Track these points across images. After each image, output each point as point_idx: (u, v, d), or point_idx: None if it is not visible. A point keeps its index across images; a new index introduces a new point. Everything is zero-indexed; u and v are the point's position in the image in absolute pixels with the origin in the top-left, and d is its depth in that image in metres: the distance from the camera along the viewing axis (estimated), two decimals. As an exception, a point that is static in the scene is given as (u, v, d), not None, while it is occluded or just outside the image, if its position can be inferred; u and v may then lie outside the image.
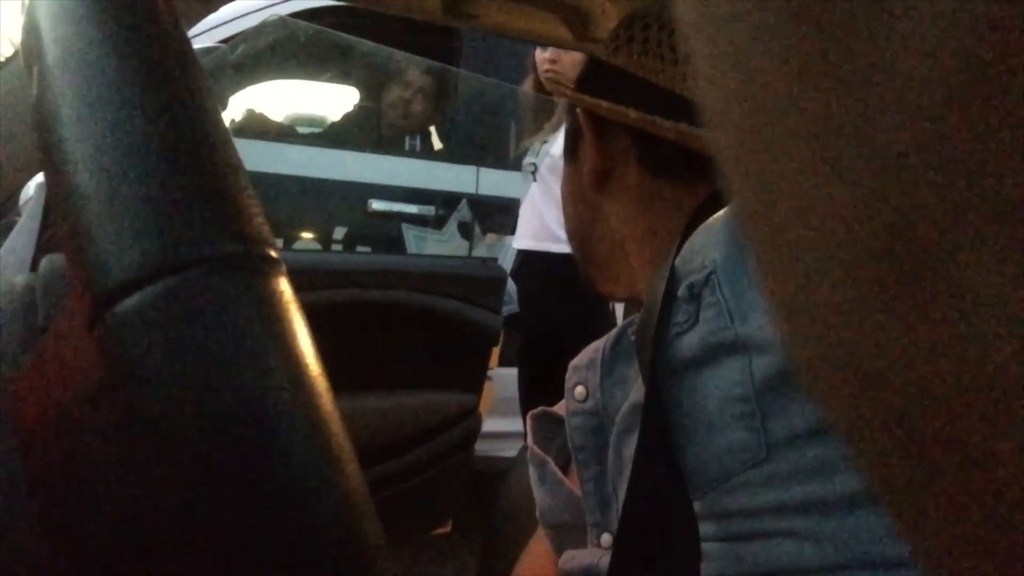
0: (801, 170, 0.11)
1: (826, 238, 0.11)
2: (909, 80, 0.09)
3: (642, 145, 0.66)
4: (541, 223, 2.24)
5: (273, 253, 0.29)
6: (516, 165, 2.85)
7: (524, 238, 2.32)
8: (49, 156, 0.29)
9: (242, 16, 2.45)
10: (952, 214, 0.09)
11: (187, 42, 0.34)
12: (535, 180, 2.26)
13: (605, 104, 0.64)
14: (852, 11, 0.10)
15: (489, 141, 3.03)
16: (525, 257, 2.31)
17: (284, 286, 0.28)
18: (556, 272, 2.10)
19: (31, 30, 0.33)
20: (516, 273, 2.32)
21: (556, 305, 2.16)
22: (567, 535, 0.65)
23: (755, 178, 0.12)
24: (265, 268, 0.28)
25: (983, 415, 0.10)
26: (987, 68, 0.09)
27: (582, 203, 0.72)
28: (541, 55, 2.19)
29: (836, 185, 0.10)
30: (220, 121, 0.31)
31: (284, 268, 0.29)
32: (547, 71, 2.14)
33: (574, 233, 0.76)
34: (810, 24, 0.10)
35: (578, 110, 0.68)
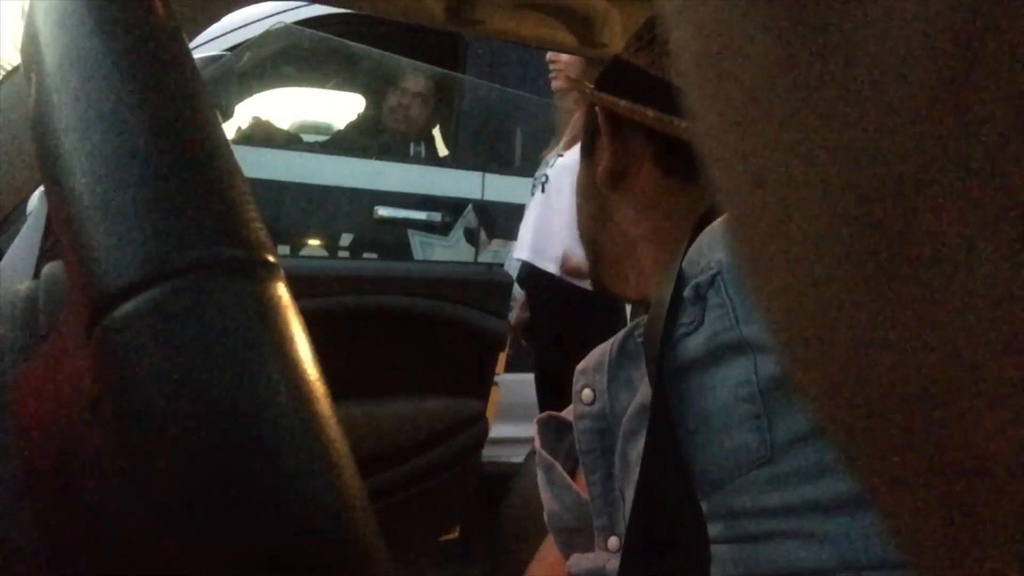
0: (778, 155, 0.11)
1: (803, 224, 0.11)
2: (880, 66, 0.09)
3: (658, 145, 0.66)
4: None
5: (271, 258, 0.28)
6: (522, 171, 2.85)
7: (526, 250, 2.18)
8: (47, 162, 0.29)
9: (247, 24, 2.45)
10: (924, 200, 0.09)
11: (186, 48, 0.34)
12: (542, 192, 2.19)
13: (623, 103, 0.64)
14: None
15: (494, 147, 3.03)
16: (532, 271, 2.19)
17: (282, 291, 0.28)
18: (561, 289, 2.04)
19: (30, 37, 0.33)
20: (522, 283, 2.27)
21: (567, 317, 2.10)
22: (575, 539, 0.65)
23: (733, 164, 0.12)
24: (263, 273, 0.28)
25: (960, 398, 0.10)
26: (959, 53, 0.09)
27: (595, 202, 0.72)
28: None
29: (811, 170, 0.10)
30: (218, 126, 0.31)
31: (282, 273, 0.29)
32: (553, 71, 2.10)
33: (585, 232, 0.76)
34: (786, 7, 0.10)
35: (596, 108, 0.68)
